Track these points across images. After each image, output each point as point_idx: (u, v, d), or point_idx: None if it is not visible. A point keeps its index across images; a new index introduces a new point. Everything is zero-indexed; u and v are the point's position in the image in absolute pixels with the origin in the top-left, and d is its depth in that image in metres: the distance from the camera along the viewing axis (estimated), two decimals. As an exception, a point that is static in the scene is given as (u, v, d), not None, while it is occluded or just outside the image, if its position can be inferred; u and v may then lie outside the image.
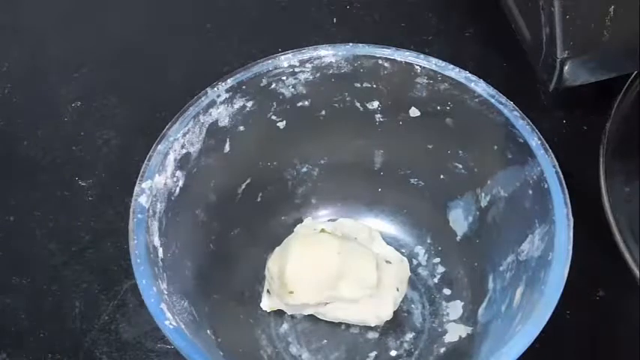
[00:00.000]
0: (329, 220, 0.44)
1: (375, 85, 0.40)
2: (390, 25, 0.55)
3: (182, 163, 0.38)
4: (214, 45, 0.55)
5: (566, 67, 0.44)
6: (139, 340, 0.43)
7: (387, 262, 0.41)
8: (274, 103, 0.40)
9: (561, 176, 0.36)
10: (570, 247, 0.34)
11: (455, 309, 0.42)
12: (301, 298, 0.40)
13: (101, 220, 0.47)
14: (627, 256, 0.40)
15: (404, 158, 0.43)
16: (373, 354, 0.41)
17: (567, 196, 0.35)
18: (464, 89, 0.38)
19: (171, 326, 0.32)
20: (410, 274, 0.42)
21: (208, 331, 0.37)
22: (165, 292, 0.34)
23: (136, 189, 0.36)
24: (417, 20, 0.56)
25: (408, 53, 0.39)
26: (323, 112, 0.41)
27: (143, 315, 0.43)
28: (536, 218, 0.36)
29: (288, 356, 0.41)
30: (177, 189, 0.38)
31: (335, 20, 0.56)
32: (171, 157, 0.37)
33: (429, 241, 0.44)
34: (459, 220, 0.42)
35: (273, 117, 0.41)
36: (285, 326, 0.42)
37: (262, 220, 0.43)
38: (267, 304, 0.42)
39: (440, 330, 0.42)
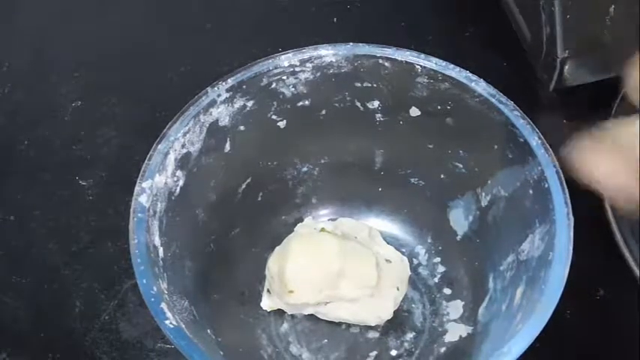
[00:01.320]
0: (329, 220, 0.44)
1: (375, 85, 0.40)
2: (390, 25, 0.55)
3: (182, 162, 0.38)
4: (214, 45, 0.55)
5: (566, 67, 0.45)
6: (139, 340, 0.43)
7: (388, 261, 0.41)
8: (275, 103, 0.40)
9: (562, 176, 0.35)
10: (570, 247, 0.34)
11: (455, 308, 0.42)
12: (301, 297, 0.40)
13: (101, 220, 0.47)
14: (627, 255, 0.40)
15: (404, 158, 0.43)
16: (373, 353, 0.41)
17: (567, 195, 0.35)
18: (464, 89, 0.38)
19: (171, 326, 0.32)
20: (410, 273, 0.42)
21: (208, 331, 0.37)
22: (166, 292, 0.34)
23: (137, 188, 0.36)
24: (417, 20, 0.56)
25: (408, 53, 0.39)
26: (323, 112, 0.41)
27: (143, 315, 0.43)
28: (537, 218, 0.36)
29: (289, 356, 0.41)
30: (178, 188, 0.38)
31: (335, 20, 0.56)
32: (171, 157, 0.37)
33: (429, 240, 0.44)
34: (460, 219, 0.42)
35: (274, 116, 0.41)
36: (285, 326, 0.42)
37: (262, 220, 0.43)
38: (267, 303, 0.42)
39: (440, 329, 0.42)
